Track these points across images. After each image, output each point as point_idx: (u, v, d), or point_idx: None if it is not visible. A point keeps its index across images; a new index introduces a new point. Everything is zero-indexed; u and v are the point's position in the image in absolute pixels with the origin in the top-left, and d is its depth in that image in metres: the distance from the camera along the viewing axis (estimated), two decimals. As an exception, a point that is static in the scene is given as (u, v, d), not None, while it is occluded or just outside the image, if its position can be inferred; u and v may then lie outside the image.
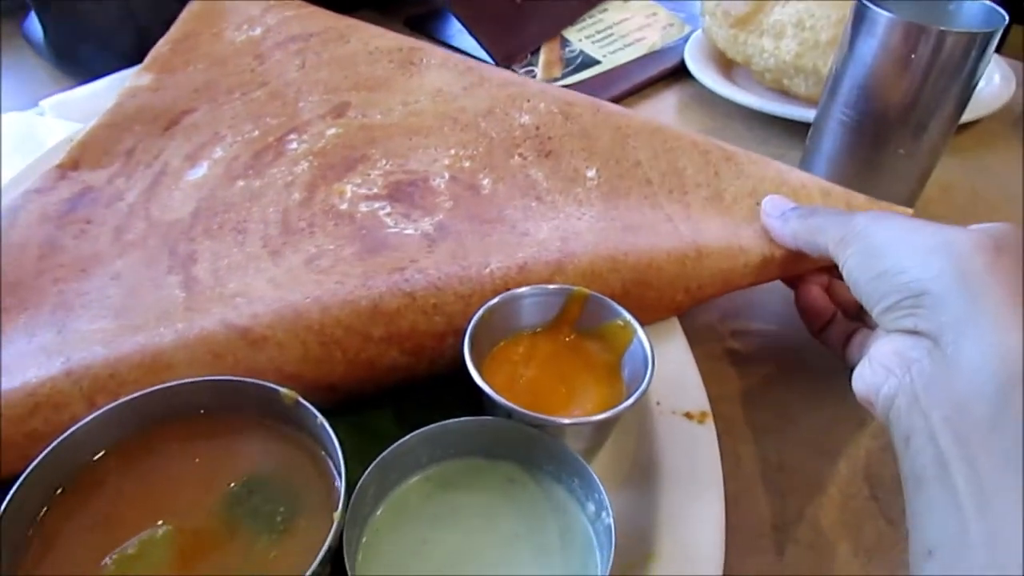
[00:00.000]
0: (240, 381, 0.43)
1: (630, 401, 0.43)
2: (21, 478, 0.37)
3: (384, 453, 0.41)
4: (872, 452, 0.55)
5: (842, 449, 0.55)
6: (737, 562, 0.48)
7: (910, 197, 0.71)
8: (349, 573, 0.36)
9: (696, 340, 0.55)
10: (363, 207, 0.61)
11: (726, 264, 0.55)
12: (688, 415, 0.49)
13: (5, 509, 0.36)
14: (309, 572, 0.35)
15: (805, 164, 0.76)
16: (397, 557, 0.41)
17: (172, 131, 0.72)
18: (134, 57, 0.82)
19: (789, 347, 0.63)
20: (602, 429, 0.46)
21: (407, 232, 0.58)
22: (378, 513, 0.42)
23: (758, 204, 0.61)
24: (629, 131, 0.67)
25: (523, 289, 0.49)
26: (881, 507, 0.51)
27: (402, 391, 0.52)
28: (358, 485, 0.40)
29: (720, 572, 0.41)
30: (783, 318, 0.63)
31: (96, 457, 0.41)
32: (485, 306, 0.48)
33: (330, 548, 0.36)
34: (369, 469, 0.40)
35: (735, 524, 0.49)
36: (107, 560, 0.37)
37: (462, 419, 0.44)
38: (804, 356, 0.61)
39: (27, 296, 0.53)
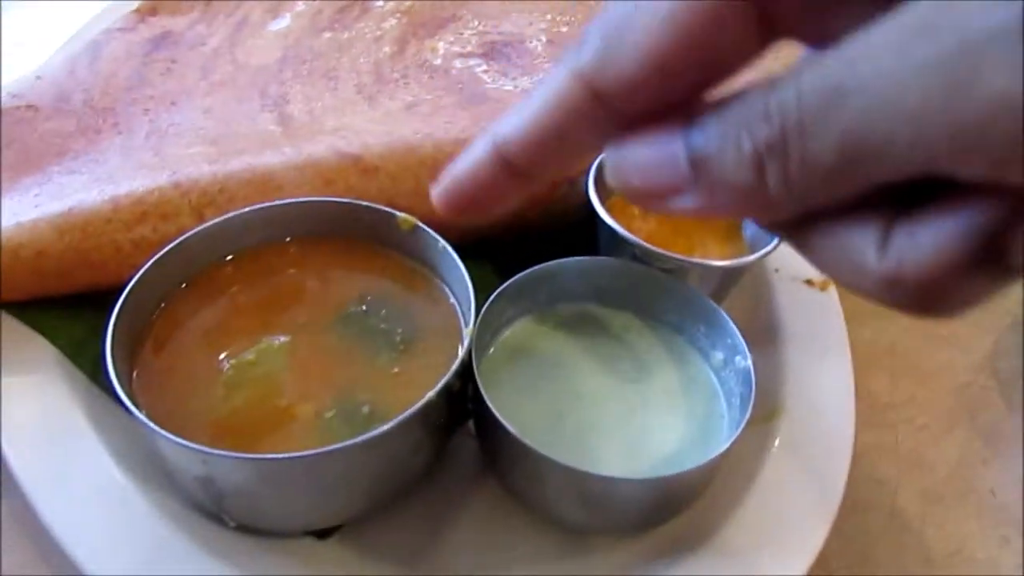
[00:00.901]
0: (355, 204, 0.41)
1: (766, 250, 0.41)
2: (138, 275, 0.36)
3: (508, 283, 0.39)
4: (993, 345, 0.52)
5: (960, 339, 0.52)
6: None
7: None
8: (480, 388, 0.34)
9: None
10: (457, 63, 0.59)
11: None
12: (809, 282, 0.47)
13: (123, 303, 0.35)
14: (445, 381, 0.33)
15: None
16: (512, 389, 0.39)
17: (251, -17, 0.69)
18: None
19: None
20: (727, 280, 0.44)
21: (507, 88, 0.56)
22: (495, 345, 0.41)
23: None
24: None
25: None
26: (1002, 395, 0.49)
27: (504, 245, 0.50)
28: (482, 311, 0.38)
29: (852, 430, 0.39)
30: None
31: (212, 265, 0.39)
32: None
33: (463, 363, 0.34)
34: (492, 297, 0.38)
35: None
36: (226, 365, 0.36)
37: (583, 257, 0.41)
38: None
39: (119, 121, 0.50)
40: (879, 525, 0.43)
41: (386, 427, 0.30)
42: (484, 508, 0.38)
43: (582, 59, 0.20)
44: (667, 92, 0.19)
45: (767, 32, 0.19)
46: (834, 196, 0.18)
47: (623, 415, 0.39)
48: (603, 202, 0.45)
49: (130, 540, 0.33)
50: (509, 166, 0.23)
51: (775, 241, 0.42)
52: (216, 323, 0.37)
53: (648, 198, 0.20)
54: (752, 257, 0.41)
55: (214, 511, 0.34)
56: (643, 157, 0.20)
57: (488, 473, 0.39)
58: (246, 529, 0.35)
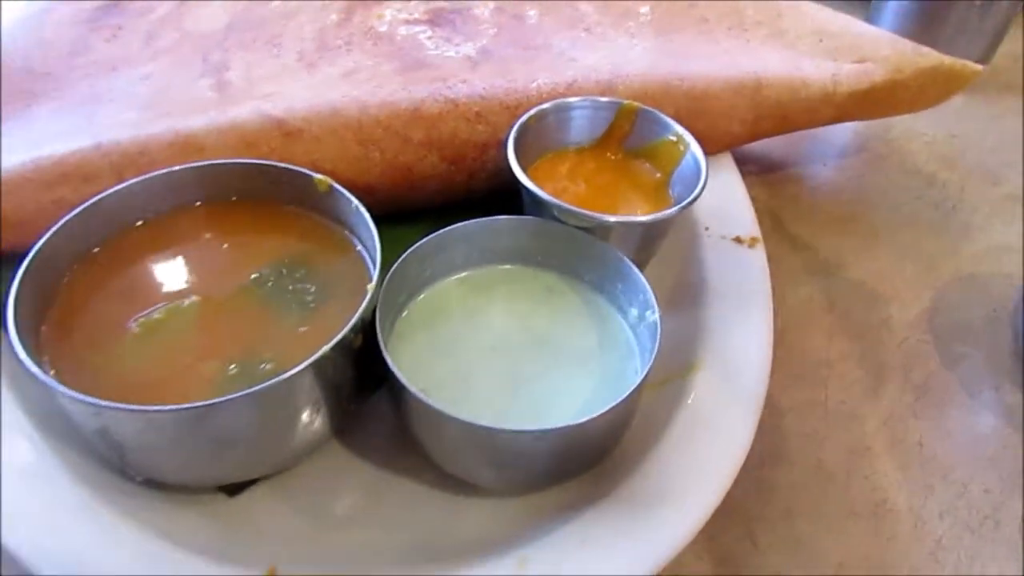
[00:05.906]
0: (273, 165, 0.41)
1: (683, 204, 0.41)
2: (49, 233, 0.36)
3: (422, 241, 0.39)
4: (931, 301, 0.52)
5: (900, 296, 0.52)
6: (778, 394, 0.47)
7: (983, 56, 0.67)
8: (381, 346, 0.35)
9: (749, 180, 0.52)
10: (402, 30, 0.58)
11: (785, 96, 0.52)
12: (738, 239, 0.46)
13: (29, 262, 0.35)
14: (340, 336, 0.33)
15: (871, 19, 0.71)
16: (426, 348, 0.39)
17: (205, -47, 0.69)
18: None
19: (850, 192, 0.60)
20: (649, 236, 0.44)
21: (448, 55, 0.55)
22: (412, 305, 0.41)
23: (822, 42, 0.57)
24: (686, -29, 0.63)
25: (573, 99, 0.47)
26: (937, 350, 0.49)
27: (438, 209, 0.50)
28: (393, 269, 0.38)
29: (764, 385, 0.39)
30: (847, 165, 0.60)
31: (127, 227, 0.40)
32: (532, 111, 0.45)
33: (362, 319, 0.35)
34: (405, 255, 0.39)
35: (778, 358, 0.48)
36: (132, 323, 0.36)
37: (503, 217, 0.41)
38: (866, 202, 0.58)
39: (57, 87, 0.51)
40: (803, 478, 0.43)
41: (271, 381, 0.31)
42: (396, 468, 0.38)
43: None
44: None
45: None
46: None
47: (535, 374, 0.39)
48: (526, 168, 0.45)
49: (36, 498, 0.34)
50: None
51: (698, 191, 0.42)
52: (129, 284, 0.38)
53: None
54: (672, 210, 0.41)
55: (119, 466, 0.35)
56: None
57: (402, 433, 0.39)
58: (154, 484, 0.35)
